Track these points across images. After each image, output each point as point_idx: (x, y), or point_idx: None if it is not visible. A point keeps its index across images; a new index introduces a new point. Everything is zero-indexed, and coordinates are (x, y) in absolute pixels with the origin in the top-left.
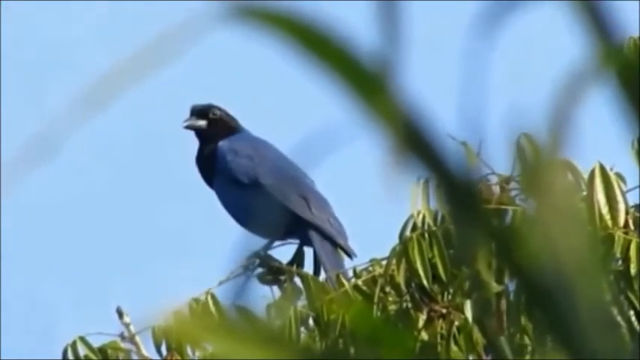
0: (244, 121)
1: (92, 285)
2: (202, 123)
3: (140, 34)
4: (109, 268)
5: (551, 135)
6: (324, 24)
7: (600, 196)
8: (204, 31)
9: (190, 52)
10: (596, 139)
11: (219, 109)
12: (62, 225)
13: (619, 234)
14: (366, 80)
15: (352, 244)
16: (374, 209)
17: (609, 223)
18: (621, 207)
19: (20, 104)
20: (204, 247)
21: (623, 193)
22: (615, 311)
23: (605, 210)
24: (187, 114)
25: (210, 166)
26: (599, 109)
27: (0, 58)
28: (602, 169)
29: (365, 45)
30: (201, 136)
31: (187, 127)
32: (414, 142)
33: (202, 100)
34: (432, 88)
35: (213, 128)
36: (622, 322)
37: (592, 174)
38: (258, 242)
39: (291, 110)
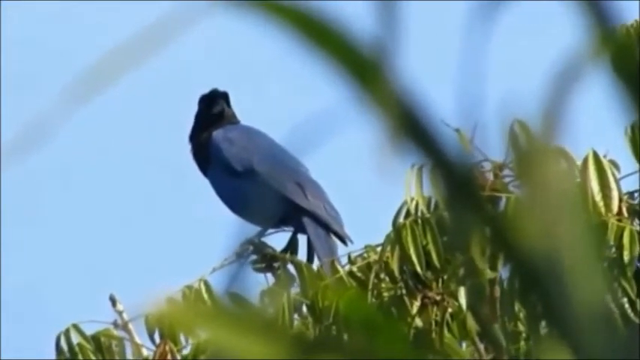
0: (242, 108)
1: (88, 273)
2: (228, 109)
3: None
4: (104, 258)
5: (544, 121)
6: (321, 10)
7: (594, 183)
8: (200, 18)
9: (186, 40)
10: (591, 126)
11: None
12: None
13: (612, 221)
14: (362, 65)
15: (348, 230)
16: (370, 195)
17: (602, 210)
18: (614, 194)
19: (17, 107)
20: (199, 235)
21: (617, 180)
22: (609, 299)
23: (598, 197)
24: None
25: (204, 154)
26: (594, 96)
27: (0, 59)
28: (596, 156)
29: (362, 31)
30: (199, 124)
31: (220, 112)
32: (410, 127)
33: (205, 87)
34: (427, 73)
35: (225, 115)
36: (615, 310)
37: (585, 161)
38: (251, 230)
39: (287, 97)
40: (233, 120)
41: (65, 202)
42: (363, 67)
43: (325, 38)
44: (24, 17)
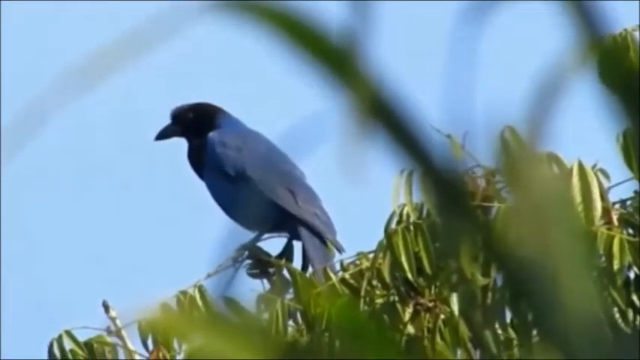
0: (230, 110)
1: (81, 279)
2: (177, 128)
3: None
4: (95, 263)
5: (531, 127)
6: (294, 4)
7: (576, 194)
8: (182, 23)
9: (170, 44)
10: (582, 132)
11: (199, 105)
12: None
13: (602, 230)
14: (337, 58)
15: (341, 237)
16: (363, 201)
17: (583, 222)
18: (597, 205)
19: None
20: (193, 239)
21: (603, 191)
22: (598, 306)
23: (579, 209)
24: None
25: (199, 158)
26: (584, 102)
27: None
28: (581, 166)
29: (337, 24)
30: (186, 133)
31: (159, 138)
32: (398, 134)
33: (182, 96)
34: (416, 79)
35: (192, 128)
36: (605, 318)
37: (570, 172)
38: (247, 235)
39: (273, 98)
40: (213, 122)
41: (56, 204)
42: (337, 58)
43: (302, 34)
44: (23, 17)
